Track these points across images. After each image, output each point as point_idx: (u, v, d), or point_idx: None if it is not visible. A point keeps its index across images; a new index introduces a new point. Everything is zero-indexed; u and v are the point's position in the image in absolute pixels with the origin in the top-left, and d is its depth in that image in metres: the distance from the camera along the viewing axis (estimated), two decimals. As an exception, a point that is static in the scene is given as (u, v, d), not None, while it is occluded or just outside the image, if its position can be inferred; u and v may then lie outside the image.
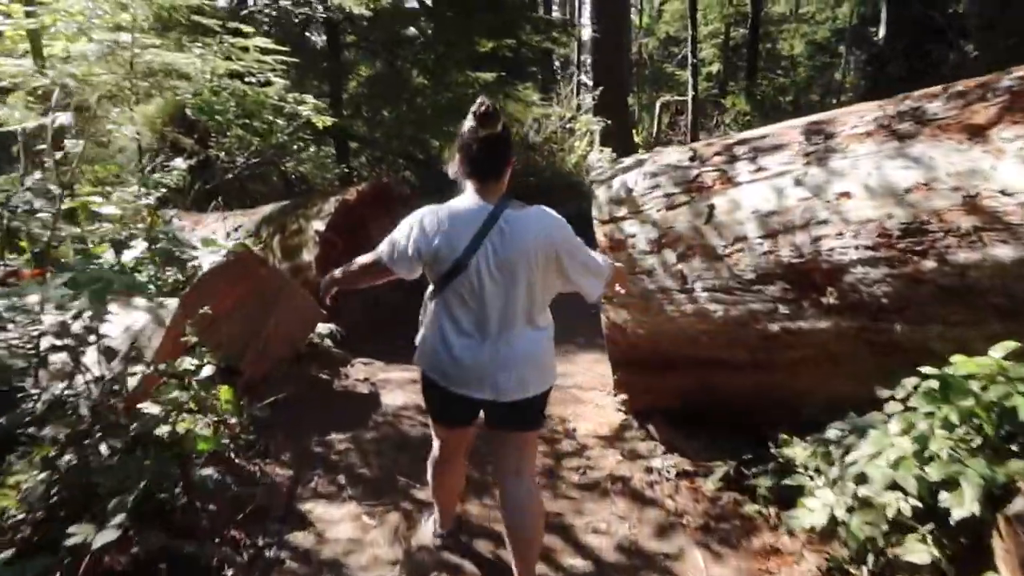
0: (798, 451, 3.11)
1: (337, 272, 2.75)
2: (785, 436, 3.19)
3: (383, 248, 2.49)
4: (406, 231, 2.41)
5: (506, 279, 2.33)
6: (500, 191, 2.42)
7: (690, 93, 21.34)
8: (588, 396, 4.62)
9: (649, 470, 3.63)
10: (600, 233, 3.85)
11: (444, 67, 10.36)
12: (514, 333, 2.37)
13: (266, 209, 6.83)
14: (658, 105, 22.91)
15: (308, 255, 5.68)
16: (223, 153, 5.14)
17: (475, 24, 8.68)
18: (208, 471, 2.74)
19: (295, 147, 6.31)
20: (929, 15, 12.54)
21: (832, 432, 2.96)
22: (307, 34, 9.38)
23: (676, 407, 3.94)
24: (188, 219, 7.20)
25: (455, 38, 9.48)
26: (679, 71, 28.37)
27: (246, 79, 5.30)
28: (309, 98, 5.47)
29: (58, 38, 5.16)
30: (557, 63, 20.79)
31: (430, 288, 2.49)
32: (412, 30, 11.03)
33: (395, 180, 7.05)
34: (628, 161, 4.13)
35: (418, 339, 2.56)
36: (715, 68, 27.42)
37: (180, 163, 4.96)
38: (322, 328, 5.12)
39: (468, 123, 2.34)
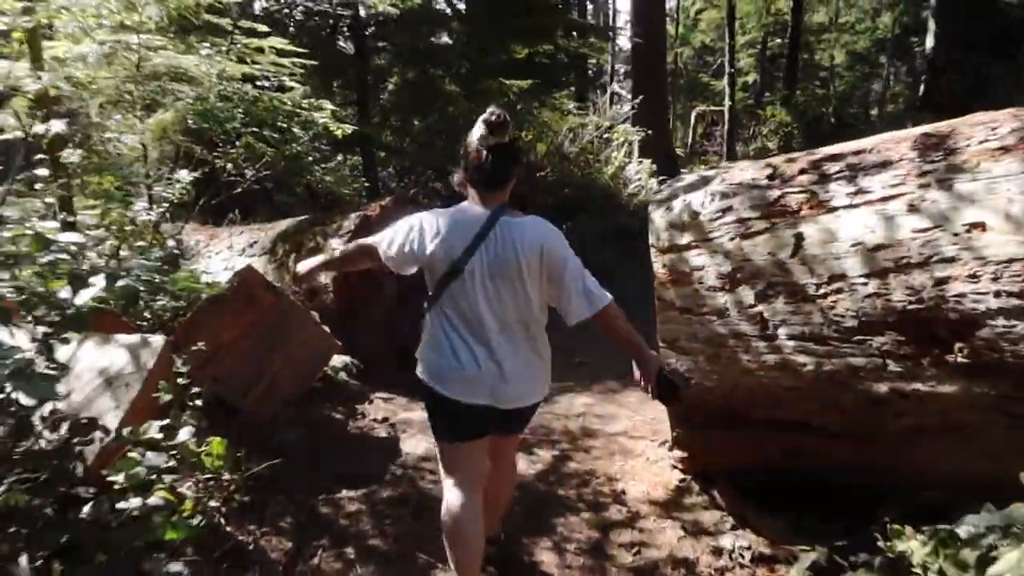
0: (913, 545, 2.44)
1: (331, 258, 2.93)
2: (895, 525, 2.54)
3: (382, 237, 2.51)
4: (405, 230, 2.43)
5: (500, 286, 2.33)
6: (502, 200, 2.40)
7: (727, 103, 20.71)
8: (638, 447, 3.99)
9: (718, 551, 2.99)
10: (658, 264, 3.22)
11: (477, 75, 9.83)
12: (512, 342, 2.38)
13: (283, 224, 6.29)
14: (693, 115, 22.23)
15: (325, 276, 5.11)
16: (229, 165, 4.56)
17: (511, 28, 8.10)
18: (176, 568, 2.16)
19: (310, 158, 5.75)
20: (980, 24, 11.75)
21: (965, 528, 2.29)
22: (335, 38, 8.86)
23: (748, 472, 3.29)
24: (203, 233, 6.69)
25: (490, 44, 8.93)
26: (714, 81, 27.69)
27: (259, 83, 4.76)
28: (327, 104, 4.92)
29: (60, 38, 4.68)
30: (591, 72, 20.16)
31: (427, 299, 2.45)
32: (445, 37, 10.52)
33: (420, 193, 6.47)
34: (690, 178, 3.51)
35: (418, 352, 2.52)
36: (751, 78, 26.72)
37: (185, 175, 4.43)
38: (337, 360, 4.55)
39: (478, 131, 2.35)
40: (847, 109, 18.03)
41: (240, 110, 4.35)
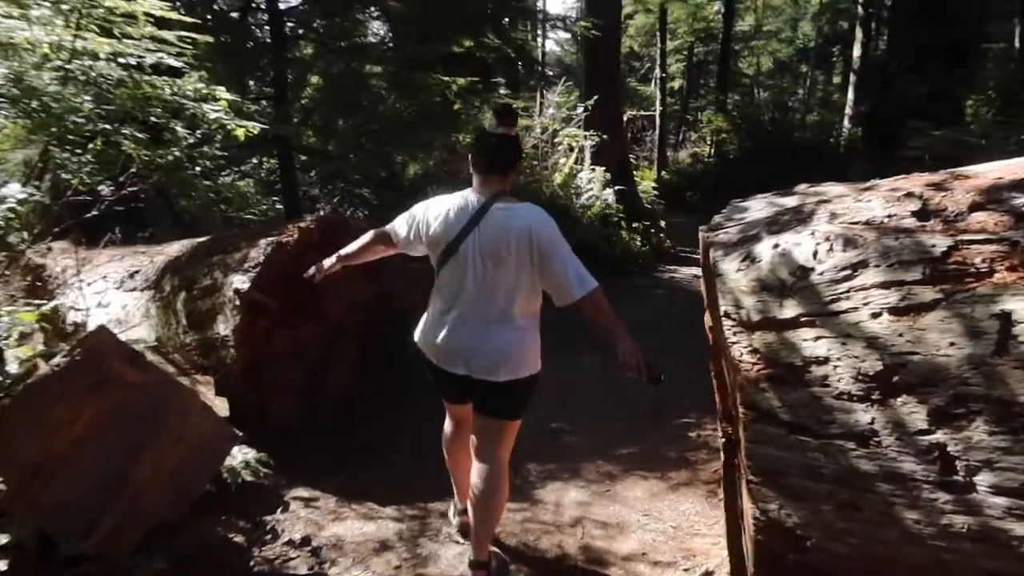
0: None
1: (345, 250, 2.90)
2: None
3: (398, 223, 2.70)
4: (415, 215, 2.62)
5: (490, 267, 2.41)
6: (501, 188, 2.49)
7: (658, 108, 19.91)
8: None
9: None
10: (743, 347, 2.00)
11: (411, 69, 8.47)
12: (491, 322, 2.45)
13: (175, 247, 4.83)
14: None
15: (224, 326, 3.72)
16: (75, 176, 3.09)
17: (455, 11, 6.80)
18: None
19: (199, 167, 4.30)
20: (933, 31, 11.10)
21: None
22: (247, 22, 7.35)
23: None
24: (71, 257, 5.13)
25: (426, 33, 7.59)
26: (641, 86, 26.94)
27: (122, 61, 3.33)
28: (222, 94, 3.51)
29: None
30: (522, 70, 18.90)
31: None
32: (377, 25, 9.12)
33: (352, 209, 5.18)
34: (761, 207, 2.34)
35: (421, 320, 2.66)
36: (677, 83, 26.08)
37: (14, 189, 2.99)
38: (237, 454, 3.17)
39: (488, 119, 2.65)
40: (785, 115, 17.30)
41: (89, 97, 2.93)
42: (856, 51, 19.77)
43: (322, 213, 8.05)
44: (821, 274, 1.94)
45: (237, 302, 3.69)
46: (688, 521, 3.16)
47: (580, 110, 8.90)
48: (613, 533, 3.09)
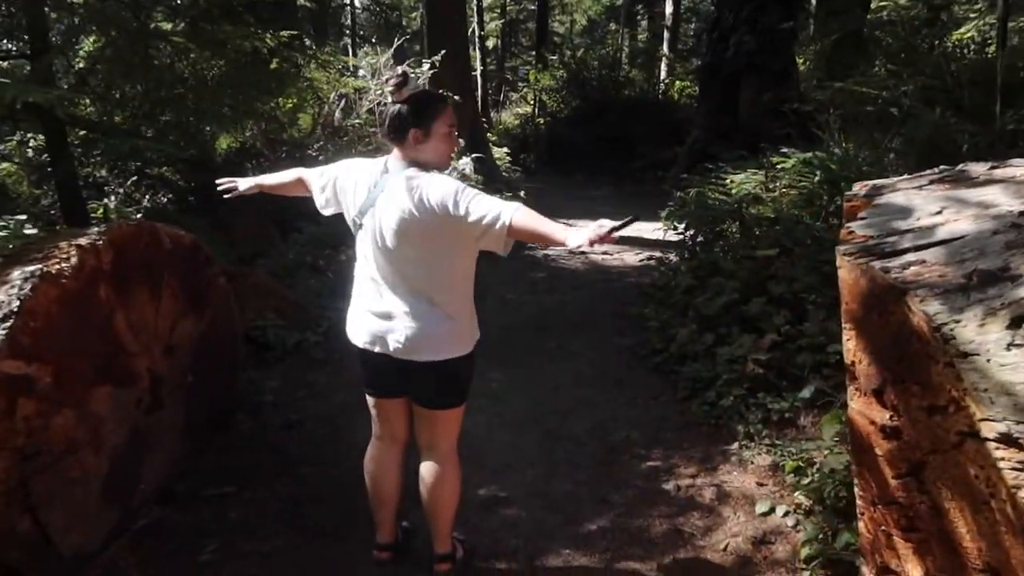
0: None
1: (264, 178, 2.74)
2: None
3: (313, 171, 2.56)
4: (329, 169, 2.50)
5: (396, 239, 2.23)
6: (410, 157, 2.29)
7: (478, 68, 18.89)
8: None
9: None
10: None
11: (214, 19, 6.77)
12: (408, 294, 2.28)
13: None
14: (444, 81, 20.14)
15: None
16: None
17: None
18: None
19: None
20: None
21: None
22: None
23: None
24: None
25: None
26: (458, 46, 25.77)
27: None
28: None
29: None
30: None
31: None
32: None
33: (163, 225, 3.74)
34: (976, 215, 1.35)
35: None
36: (491, 43, 25.21)
37: None
38: None
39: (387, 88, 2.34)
40: (612, 72, 16.81)
41: None
42: (668, 7, 19.91)
43: (112, 217, 6.22)
44: None
45: (-23, 382, 2.21)
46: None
47: (426, 67, 7.61)
48: None
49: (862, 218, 1.57)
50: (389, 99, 2.31)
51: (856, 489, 1.65)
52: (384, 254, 2.27)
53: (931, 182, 1.63)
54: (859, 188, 1.76)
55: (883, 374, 1.45)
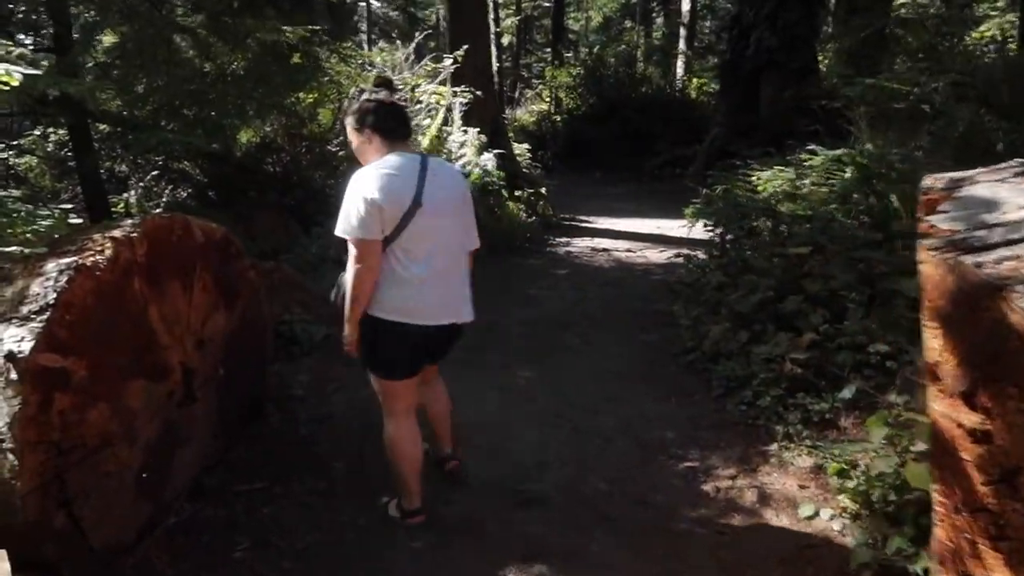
0: None
1: (363, 295, 2.50)
2: None
3: (362, 232, 2.41)
4: (366, 207, 2.39)
5: (446, 217, 2.50)
6: (412, 149, 2.58)
7: (495, 65, 18.79)
8: None
9: None
10: None
11: (236, 14, 6.72)
12: (460, 266, 2.61)
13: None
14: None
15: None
16: None
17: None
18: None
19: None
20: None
21: None
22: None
23: None
24: None
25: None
26: (473, 43, 25.66)
27: None
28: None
29: None
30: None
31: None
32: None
33: (191, 217, 3.64)
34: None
35: (376, 294, 2.47)
36: (506, 40, 25.11)
37: None
38: None
39: (368, 95, 2.58)
40: (629, 69, 16.67)
41: None
42: (685, 5, 19.71)
43: (133, 202, 6.18)
44: None
45: (14, 374, 2.16)
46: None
47: (448, 62, 7.54)
48: None
49: (943, 211, 1.49)
50: (384, 99, 2.59)
51: (935, 495, 1.58)
52: (452, 228, 2.54)
53: (1015, 175, 1.55)
54: (932, 181, 1.68)
55: (973, 375, 1.37)
